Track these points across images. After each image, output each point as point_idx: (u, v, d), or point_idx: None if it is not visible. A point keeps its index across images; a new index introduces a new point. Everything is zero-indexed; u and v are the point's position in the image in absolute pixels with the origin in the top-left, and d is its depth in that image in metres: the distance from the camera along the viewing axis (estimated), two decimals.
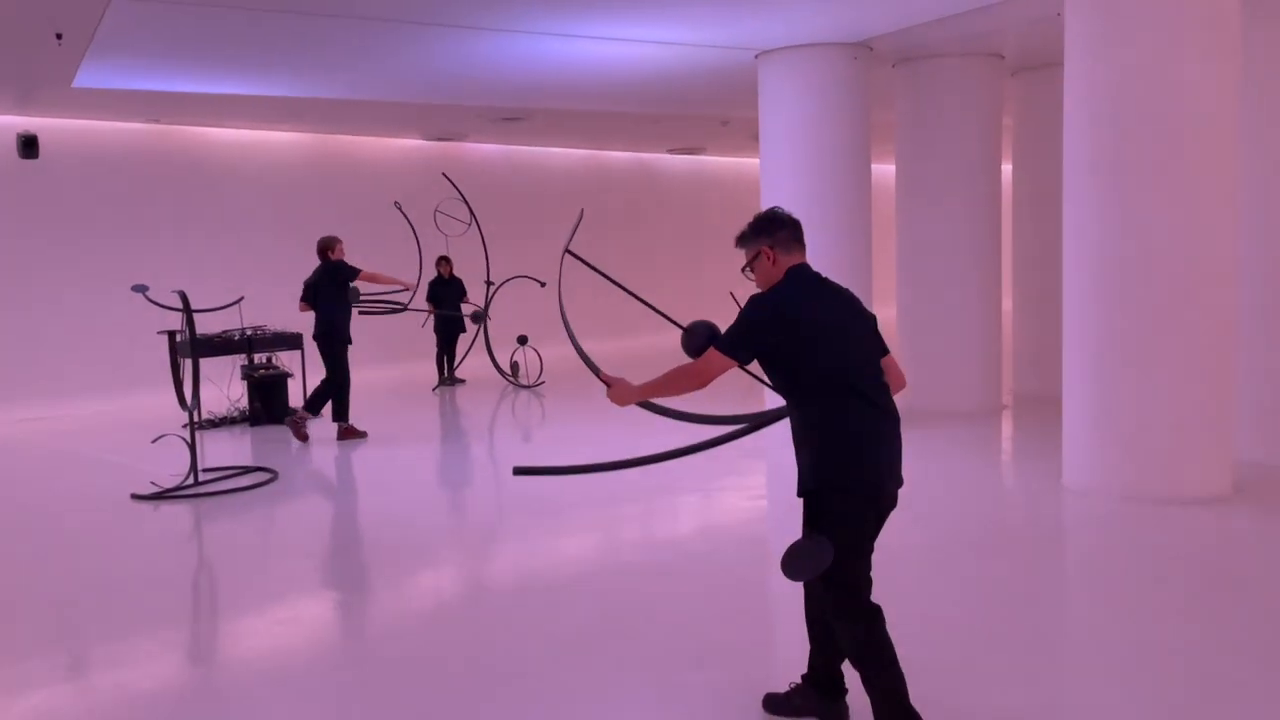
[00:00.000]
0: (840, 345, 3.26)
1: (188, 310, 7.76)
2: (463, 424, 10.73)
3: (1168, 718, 3.65)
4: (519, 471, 3.76)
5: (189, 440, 7.66)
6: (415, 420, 10.68)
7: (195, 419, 9.84)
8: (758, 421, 4.11)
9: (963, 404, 9.57)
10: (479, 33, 8.09)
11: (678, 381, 3.35)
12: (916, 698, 3.23)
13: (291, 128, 13.28)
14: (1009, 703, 3.74)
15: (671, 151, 17.53)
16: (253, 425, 10.31)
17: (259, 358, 10.65)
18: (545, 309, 14.43)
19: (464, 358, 12.96)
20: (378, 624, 5.02)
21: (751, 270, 3.47)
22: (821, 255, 8.70)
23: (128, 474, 8.13)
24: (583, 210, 4.62)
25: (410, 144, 14.72)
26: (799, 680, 3.61)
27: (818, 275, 3.42)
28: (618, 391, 3.54)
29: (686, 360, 3.43)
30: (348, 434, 9.27)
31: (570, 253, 4.36)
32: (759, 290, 3.44)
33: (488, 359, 12.84)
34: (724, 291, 16.73)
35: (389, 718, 3.81)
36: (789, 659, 4.03)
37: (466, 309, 12.68)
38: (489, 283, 12.79)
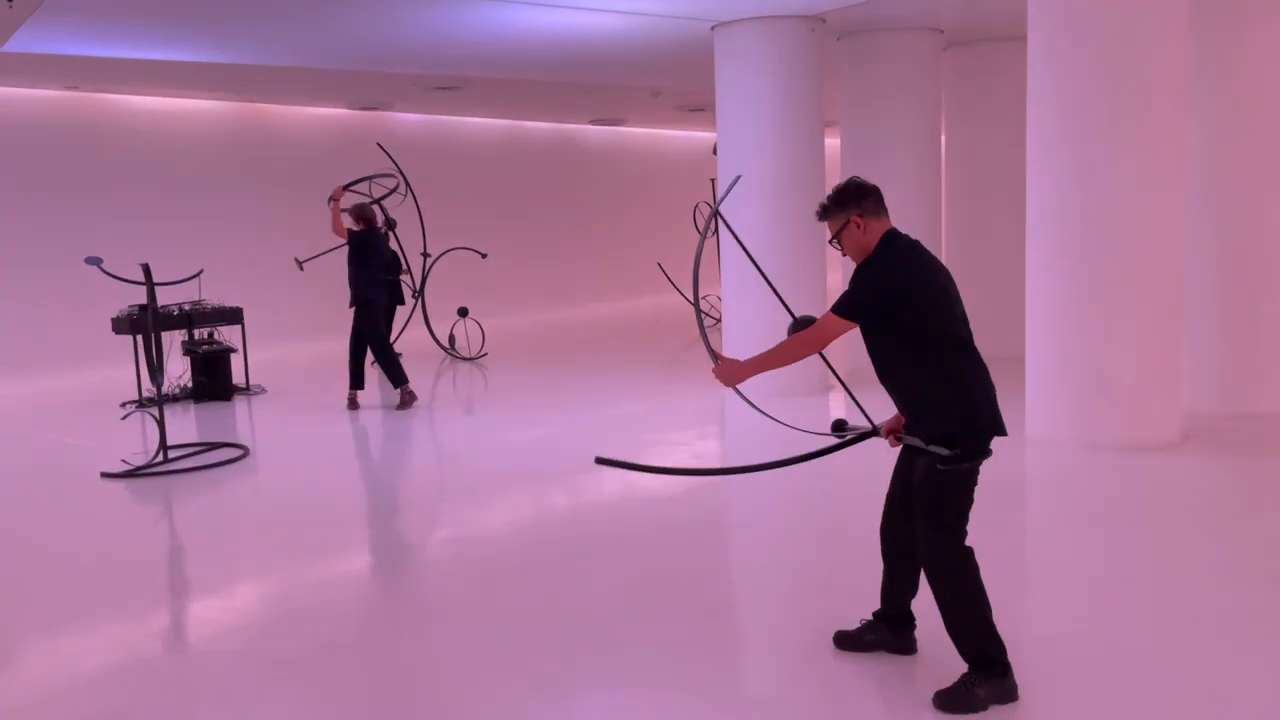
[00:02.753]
0: (952, 300, 3.45)
1: (150, 283, 7.55)
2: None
3: (1172, 630, 4.03)
4: (601, 461, 3.73)
5: (158, 416, 7.48)
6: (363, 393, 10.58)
7: (141, 396, 9.67)
8: (850, 438, 3.94)
9: None
10: None
11: (792, 350, 3.47)
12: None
13: (213, 95, 12.86)
14: (1045, 631, 4.07)
15: (593, 123, 17.57)
16: (196, 401, 10.06)
17: (199, 333, 10.38)
18: (486, 280, 14.49)
19: (401, 331, 12.83)
20: (373, 591, 5.08)
21: (839, 241, 3.55)
22: (779, 222, 9.02)
23: (82, 454, 7.90)
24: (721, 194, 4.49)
25: (335, 113, 14.42)
26: (870, 617, 3.86)
27: (910, 236, 3.57)
28: (725, 370, 3.57)
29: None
30: (354, 402, 9.39)
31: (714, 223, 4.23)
32: (852, 260, 3.55)
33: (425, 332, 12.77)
34: (646, 259, 16.88)
35: (389, 683, 3.92)
36: (783, 605, 4.28)
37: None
38: (425, 254, 12.68)
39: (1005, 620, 3.51)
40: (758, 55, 8.95)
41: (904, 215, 9.88)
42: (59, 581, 5.20)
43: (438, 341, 12.76)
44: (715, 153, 15.62)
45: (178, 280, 8.03)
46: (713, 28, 9.18)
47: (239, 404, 9.99)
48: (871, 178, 11.52)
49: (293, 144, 13.92)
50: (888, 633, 3.79)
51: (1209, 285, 7.54)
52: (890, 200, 11.52)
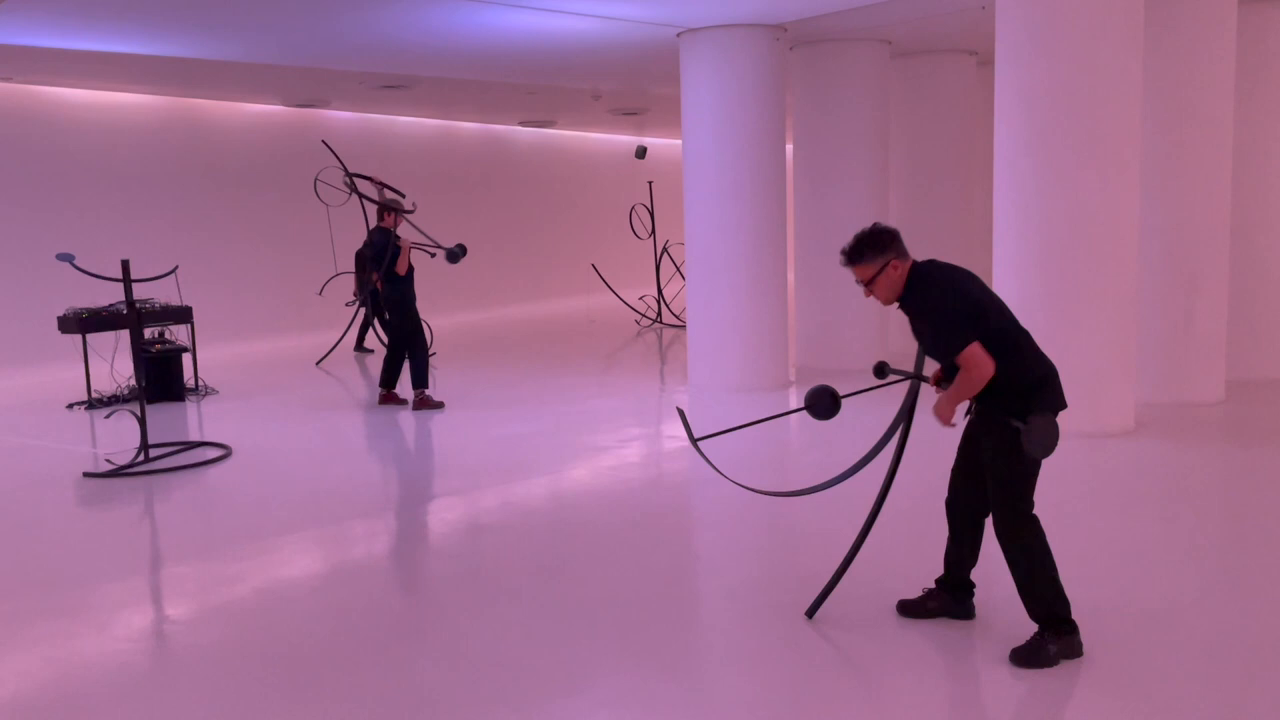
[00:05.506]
0: (1001, 302, 3.78)
1: (127, 280, 7.40)
2: (360, 395, 10.63)
3: (1189, 591, 4.46)
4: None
5: (139, 414, 7.35)
6: (329, 392, 10.50)
7: (90, 396, 9.43)
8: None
9: (855, 363, 10.43)
10: None
11: (973, 385, 3.64)
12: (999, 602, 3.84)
13: (148, 90, 12.52)
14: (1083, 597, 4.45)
15: (523, 124, 17.64)
16: (148, 402, 9.81)
17: (149, 332, 10.13)
18: (433, 277, 14.39)
19: (345, 332, 12.71)
20: (376, 587, 5.18)
21: (872, 285, 3.77)
22: (743, 228, 9.34)
23: (44, 454, 7.71)
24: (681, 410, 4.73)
25: (269, 109, 14.17)
26: (932, 585, 4.16)
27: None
28: (943, 408, 3.75)
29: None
30: (424, 402, 9.16)
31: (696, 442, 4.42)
32: (881, 301, 3.81)
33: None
34: (576, 259, 17.07)
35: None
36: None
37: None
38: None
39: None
40: (724, 62, 9.23)
41: (852, 219, 10.36)
42: (62, 581, 5.13)
43: (381, 341, 12.72)
44: (638, 156, 15.93)
45: (155, 276, 7.88)
46: (679, 34, 9.44)
47: (191, 405, 9.81)
48: (824, 181, 11.96)
49: (227, 140, 13.64)
50: (949, 599, 4.10)
51: (1150, 284, 8.13)
52: (843, 202, 11.97)
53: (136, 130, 12.69)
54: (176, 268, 8.79)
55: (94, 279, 7.64)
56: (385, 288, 9.06)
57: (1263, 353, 9.12)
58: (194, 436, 8.33)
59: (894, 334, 11.10)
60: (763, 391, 9.47)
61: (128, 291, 7.50)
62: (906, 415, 4.14)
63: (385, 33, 9.34)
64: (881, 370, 4.16)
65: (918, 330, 3.94)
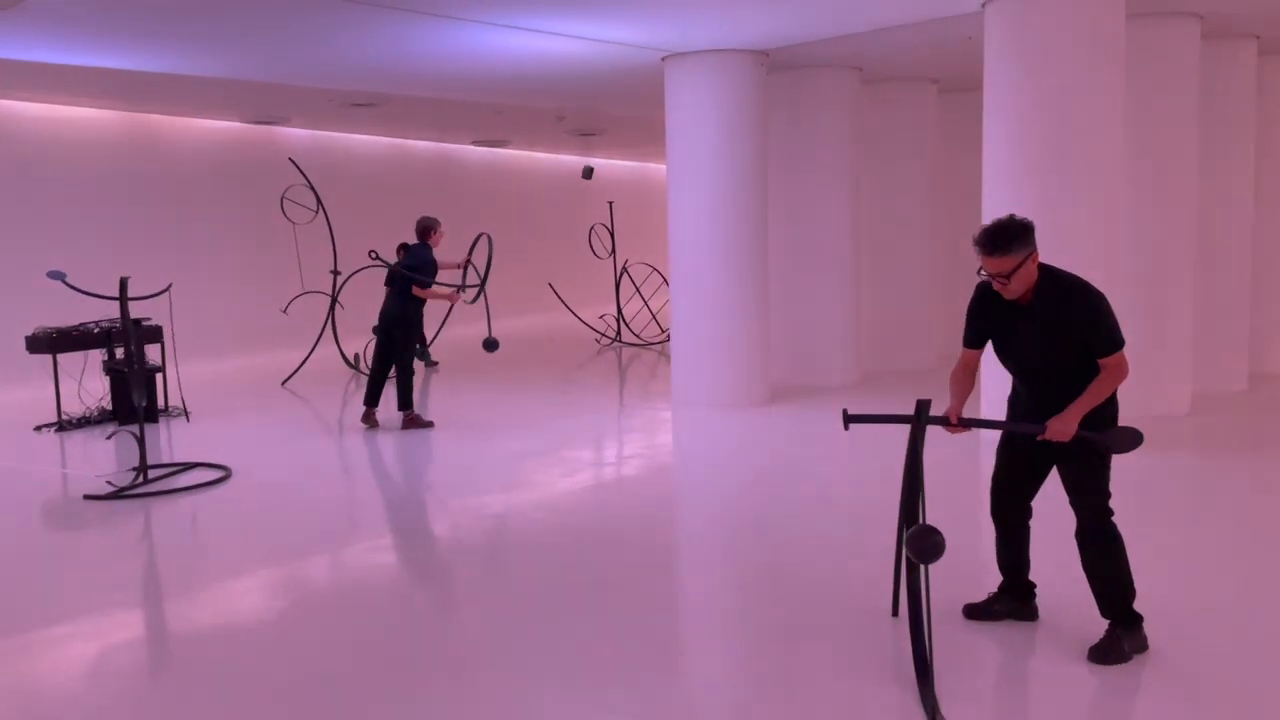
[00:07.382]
0: None
1: (124, 298, 7.26)
2: (330, 415, 10.52)
3: (1214, 587, 4.74)
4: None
5: (138, 435, 7.20)
6: (302, 411, 10.37)
7: (60, 418, 9.17)
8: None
9: (829, 380, 10.71)
10: (379, 11, 7.83)
11: (1108, 388, 3.80)
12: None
13: (103, 104, 12.24)
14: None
15: (475, 143, 17.64)
16: (121, 424, 9.57)
17: (119, 352, 9.88)
18: (374, 299, 14.25)
19: (312, 350, 12.53)
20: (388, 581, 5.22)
21: (1010, 278, 3.70)
22: (726, 248, 9.53)
23: (38, 478, 7.50)
24: None
25: (226, 125, 13.95)
26: (995, 590, 4.35)
27: None
28: (1058, 427, 3.76)
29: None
30: (412, 422, 9.06)
31: None
32: (1008, 294, 3.77)
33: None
34: (530, 278, 17.09)
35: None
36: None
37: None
38: (335, 272, 12.44)
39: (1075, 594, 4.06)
40: (709, 86, 9.44)
41: (826, 242, 10.73)
42: (78, 605, 5.04)
43: (345, 360, 12.61)
44: (585, 176, 16.04)
45: (149, 295, 7.72)
46: (664, 58, 9.62)
47: (168, 425, 9.60)
48: (798, 201, 12.28)
49: (183, 156, 13.39)
50: (1015, 602, 4.30)
51: (1137, 294, 8.51)
52: (816, 223, 12.28)
53: (91, 145, 12.39)
54: (170, 286, 8.61)
55: (79, 296, 7.47)
56: (398, 304, 8.99)
57: (1224, 367, 9.71)
58: (170, 457, 8.15)
59: (865, 351, 11.40)
60: (744, 408, 9.65)
61: (124, 310, 7.36)
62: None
63: (371, 52, 9.33)
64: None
65: (1039, 329, 3.81)
